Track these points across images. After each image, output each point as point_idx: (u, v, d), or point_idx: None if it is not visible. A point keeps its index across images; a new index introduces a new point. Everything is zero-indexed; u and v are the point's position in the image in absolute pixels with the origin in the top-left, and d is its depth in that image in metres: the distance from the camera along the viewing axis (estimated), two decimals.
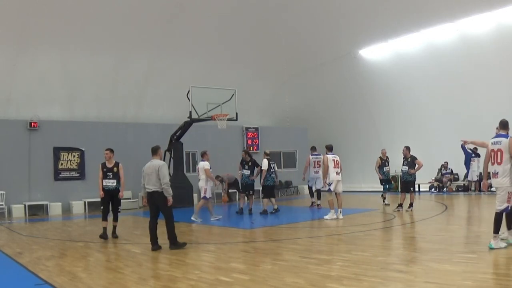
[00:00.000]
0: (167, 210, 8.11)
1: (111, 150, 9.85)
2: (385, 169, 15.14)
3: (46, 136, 16.94)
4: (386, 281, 5.29)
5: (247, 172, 13.65)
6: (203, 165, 12.19)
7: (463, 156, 18.21)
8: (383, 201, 14.83)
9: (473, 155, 17.86)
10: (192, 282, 5.72)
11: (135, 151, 17.09)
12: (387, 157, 15.14)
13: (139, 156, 15.14)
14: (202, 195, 12.12)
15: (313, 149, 14.94)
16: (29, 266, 6.96)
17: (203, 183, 12.13)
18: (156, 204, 8.12)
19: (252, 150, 22.11)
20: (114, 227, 9.72)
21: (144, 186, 8.26)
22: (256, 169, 13.70)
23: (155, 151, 8.47)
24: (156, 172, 8.01)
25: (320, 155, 13.80)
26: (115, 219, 9.78)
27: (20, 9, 14.81)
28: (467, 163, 18.13)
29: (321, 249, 7.80)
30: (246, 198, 14.52)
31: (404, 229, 9.61)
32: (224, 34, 19.03)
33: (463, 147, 17.42)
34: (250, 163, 13.71)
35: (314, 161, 14.50)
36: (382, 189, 15.14)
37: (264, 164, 13.37)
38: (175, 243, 8.06)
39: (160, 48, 18.45)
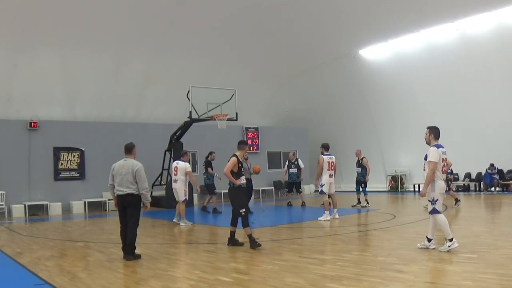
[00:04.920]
0: (136, 216, 7.45)
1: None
2: (356, 170, 15.09)
3: (46, 136, 16.94)
4: (386, 281, 5.28)
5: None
6: (185, 166, 11.95)
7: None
8: (358, 202, 14.74)
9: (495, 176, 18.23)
10: (192, 282, 5.72)
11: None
12: (363, 158, 14.95)
13: (139, 156, 15.13)
14: (183, 197, 11.79)
15: (326, 147, 12.11)
16: (29, 266, 6.96)
17: (183, 185, 11.84)
18: (126, 208, 7.36)
19: (252, 150, 22.14)
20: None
21: (113, 187, 7.42)
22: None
23: (129, 149, 7.61)
24: (133, 173, 7.26)
25: (332, 155, 11.99)
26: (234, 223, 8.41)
27: (20, 9, 14.82)
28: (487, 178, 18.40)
29: (321, 249, 7.80)
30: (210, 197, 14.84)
31: (404, 229, 9.60)
32: (224, 34, 19.03)
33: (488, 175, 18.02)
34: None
35: (328, 162, 11.74)
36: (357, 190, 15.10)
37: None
38: (133, 254, 7.36)
39: (160, 48, 18.45)
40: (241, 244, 8.12)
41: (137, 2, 16.43)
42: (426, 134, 7.22)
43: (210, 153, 14.92)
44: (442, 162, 6.95)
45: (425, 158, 7.03)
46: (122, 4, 16.18)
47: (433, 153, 6.87)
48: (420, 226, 9.95)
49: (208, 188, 14.58)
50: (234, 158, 8.15)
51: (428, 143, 7.15)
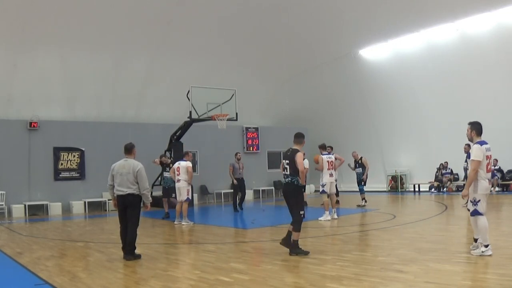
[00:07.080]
0: (136, 216, 7.40)
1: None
2: (356, 171, 15.27)
3: (46, 136, 16.95)
4: (386, 281, 5.28)
5: (169, 174, 13.52)
6: (186, 164, 11.91)
7: (464, 157, 18.33)
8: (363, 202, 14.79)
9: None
10: (192, 282, 5.72)
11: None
12: (361, 158, 15.13)
13: (139, 156, 15.13)
14: (185, 196, 11.80)
15: (324, 147, 12.25)
16: (29, 266, 6.96)
17: (186, 184, 11.83)
18: (126, 208, 7.35)
19: (252, 150, 22.14)
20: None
21: (113, 187, 7.41)
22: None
23: (129, 149, 7.60)
24: (134, 174, 7.27)
25: (331, 154, 12.18)
26: None
27: (20, 9, 14.82)
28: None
29: (321, 249, 7.79)
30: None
31: (404, 229, 9.60)
32: (224, 34, 19.04)
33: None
34: (171, 166, 13.34)
35: (328, 162, 11.81)
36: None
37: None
38: (133, 254, 7.36)
39: (160, 48, 18.45)
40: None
41: (137, 2, 16.43)
42: (467, 130, 6.69)
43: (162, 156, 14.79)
44: (487, 159, 6.37)
45: (469, 157, 6.64)
46: (122, 4, 16.18)
47: (476, 151, 6.33)
48: (420, 226, 9.96)
49: (172, 190, 13.34)
50: (301, 153, 7.25)
51: (471, 140, 6.68)
